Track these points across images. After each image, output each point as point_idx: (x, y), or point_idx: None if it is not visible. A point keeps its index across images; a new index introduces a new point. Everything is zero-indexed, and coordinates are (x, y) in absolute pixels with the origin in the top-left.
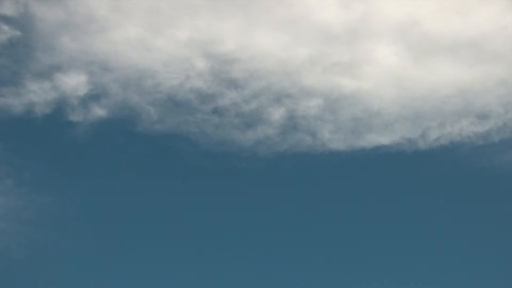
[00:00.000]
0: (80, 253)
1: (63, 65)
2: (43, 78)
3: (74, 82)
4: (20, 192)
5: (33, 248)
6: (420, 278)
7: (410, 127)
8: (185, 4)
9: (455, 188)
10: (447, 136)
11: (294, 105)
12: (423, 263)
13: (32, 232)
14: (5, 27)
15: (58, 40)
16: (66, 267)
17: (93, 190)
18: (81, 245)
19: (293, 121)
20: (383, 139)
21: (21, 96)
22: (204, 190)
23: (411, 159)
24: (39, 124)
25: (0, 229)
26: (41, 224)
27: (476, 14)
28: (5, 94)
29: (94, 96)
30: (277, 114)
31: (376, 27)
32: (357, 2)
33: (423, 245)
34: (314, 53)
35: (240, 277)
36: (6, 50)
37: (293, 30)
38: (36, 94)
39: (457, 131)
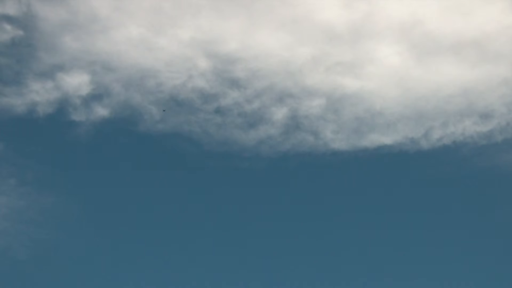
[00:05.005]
0: (82, 253)
1: (65, 65)
2: (45, 78)
3: (77, 82)
4: (22, 192)
5: (35, 247)
6: (422, 275)
7: (412, 127)
8: (187, 4)
9: (457, 188)
10: (450, 136)
11: (296, 105)
12: (426, 261)
13: (34, 232)
14: (8, 27)
15: (60, 39)
16: (68, 266)
17: (95, 190)
18: (83, 244)
19: (296, 121)
20: (386, 139)
21: (23, 95)
22: (207, 190)
23: (414, 159)
24: (41, 123)
25: (3, 228)
26: (43, 224)
27: (479, 13)
28: (8, 94)
29: (96, 96)
30: (280, 113)
31: (378, 27)
32: (360, 2)
33: (425, 242)
34: (316, 53)
35: (241, 274)
36: (8, 49)
37: (295, 30)
38: (39, 93)
39: (460, 131)
